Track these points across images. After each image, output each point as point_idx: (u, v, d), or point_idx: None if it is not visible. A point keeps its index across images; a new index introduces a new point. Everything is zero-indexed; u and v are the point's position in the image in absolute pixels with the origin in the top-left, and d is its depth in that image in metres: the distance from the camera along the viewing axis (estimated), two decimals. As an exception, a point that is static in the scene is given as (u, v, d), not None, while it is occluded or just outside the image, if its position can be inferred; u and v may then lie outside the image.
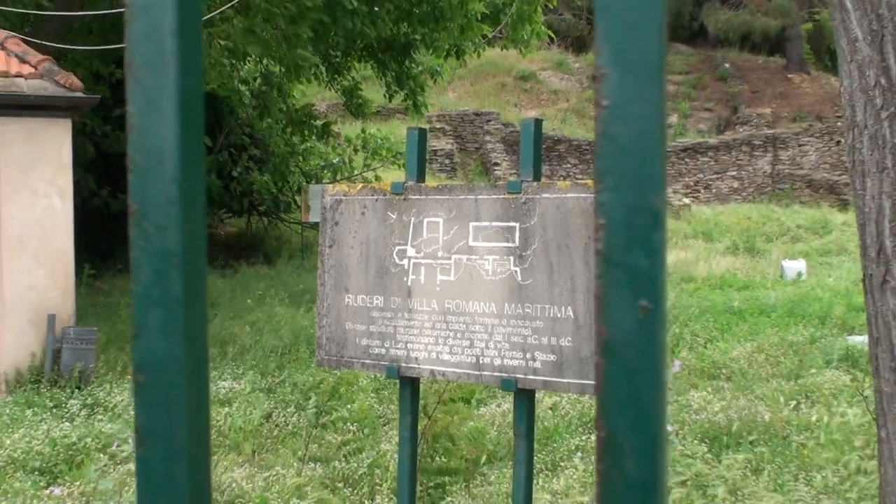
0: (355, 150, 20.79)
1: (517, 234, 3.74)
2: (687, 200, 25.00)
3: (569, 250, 3.61)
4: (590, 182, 3.67)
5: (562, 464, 7.37)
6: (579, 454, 7.42)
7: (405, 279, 4.00)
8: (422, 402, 6.95)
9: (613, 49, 0.44)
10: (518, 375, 3.71)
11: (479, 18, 14.84)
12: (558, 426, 8.25)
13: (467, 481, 7.04)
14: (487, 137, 27.54)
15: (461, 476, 7.02)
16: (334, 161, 20.64)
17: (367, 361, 4.13)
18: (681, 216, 23.32)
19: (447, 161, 27.13)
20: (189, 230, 0.53)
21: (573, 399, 8.75)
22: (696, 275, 17.36)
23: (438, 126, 28.57)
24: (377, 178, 18.79)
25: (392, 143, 21.20)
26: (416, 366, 3.98)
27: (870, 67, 4.40)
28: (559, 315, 3.62)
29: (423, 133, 4.23)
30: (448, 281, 3.89)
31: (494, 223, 3.80)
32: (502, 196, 3.79)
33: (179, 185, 0.52)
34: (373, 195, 4.14)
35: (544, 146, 28.44)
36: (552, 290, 3.64)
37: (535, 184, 3.74)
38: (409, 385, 4.09)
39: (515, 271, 3.72)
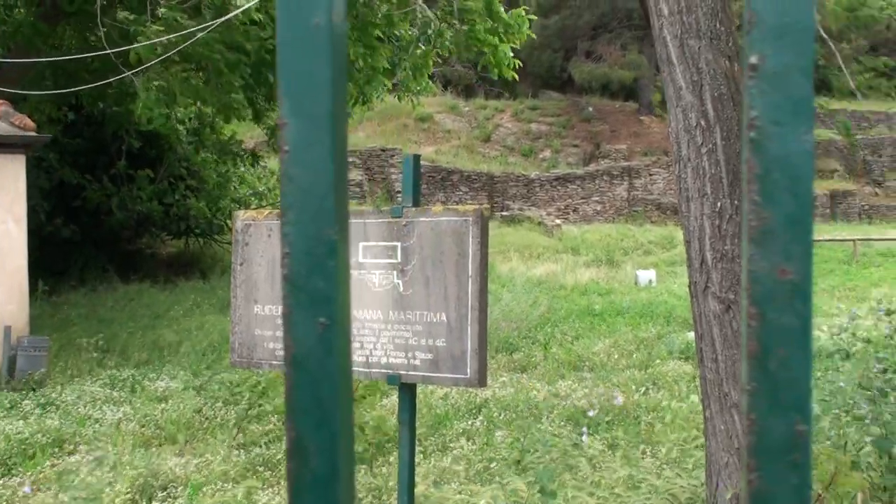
0: (279, 180, 20.71)
1: (399, 252, 3.73)
2: (558, 221, 25.31)
3: (442, 265, 3.62)
4: (460, 207, 3.68)
5: (450, 445, 7.35)
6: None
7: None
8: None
9: (292, 101, 0.43)
10: (401, 372, 3.70)
11: (382, 71, 14.87)
12: (448, 413, 8.23)
13: (371, 462, 6.98)
14: (392, 169, 27.59)
15: (367, 458, 6.96)
16: (260, 189, 20.62)
17: (274, 362, 4.07)
18: (553, 234, 23.59)
19: (357, 189, 27.07)
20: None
21: (462, 389, 8.75)
22: (565, 283, 17.55)
23: (350, 160, 28.48)
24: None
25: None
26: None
27: (692, 111, 4.50)
28: (434, 320, 3.62)
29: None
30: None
31: (380, 242, 3.78)
32: (387, 220, 3.78)
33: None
34: (278, 220, 4.08)
35: (440, 177, 28.55)
36: (429, 299, 3.64)
37: (414, 209, 3.74)
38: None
39: (398, 283, 3.72)
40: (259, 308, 4.10)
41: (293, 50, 0.41)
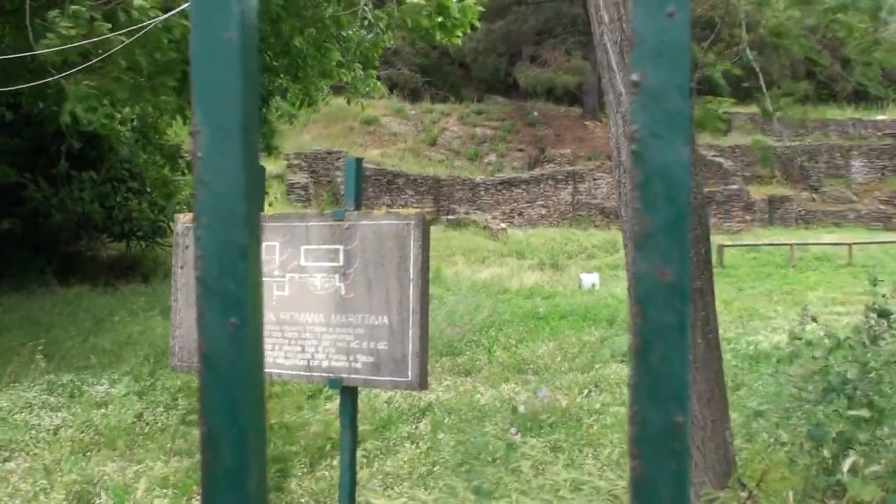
0: (222, 183, 20.59)
1: (341, 255, 3.73)
2: (503, 225, 25.44)
3: (384, 268, 3.63)
4: (401, 211, 3.70)
5: (394, 448, 7.36)
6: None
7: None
8: (276, 401, 6.86)
9: (204, 111, 0.44)
10: (343, 375, 3.71)
11: (332, 73, 14.80)
12: (392, 416, 8.23)
13: (313, 465, 6.95)
14: (337, 172, 27.52)
15: (305, 460, 6.92)
16: (204, 192, 20.47)
17: (215, 366, 4.04)
18: (498, 238, 23.71)
19: (303, 192, 26.94)
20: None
21: (406, 393, 8.76)
22: (510, 287, 17.64)
23: (296, 163, 28.37)
24: (270, 205, 18.67)
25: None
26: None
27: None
28: (376, 323, 3.63)
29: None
30: (283, 296, 3.85)
31: (322, 246, 3.78)
32: (329, 223, 3.78)
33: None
34: (218, 223, 4.06)
35: (386, 180, 28.53)
36: (370, 302, 3.65)
37: (356, 212, 3.75)
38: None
39: (340, 286, 3.72)
40: (199, 312, 4.07)
41: (205, 62, 0.43)
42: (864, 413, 3.94)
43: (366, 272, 3.67)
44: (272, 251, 3.90)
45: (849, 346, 4.60)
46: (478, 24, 13.39)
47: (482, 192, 29.16)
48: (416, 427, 7.92)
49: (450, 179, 29.35)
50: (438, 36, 13.12)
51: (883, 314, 4.40)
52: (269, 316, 3.89)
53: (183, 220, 4.19)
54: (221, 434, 0.43)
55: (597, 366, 10.46)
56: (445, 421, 8.12)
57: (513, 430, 6.02)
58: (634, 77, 0.43)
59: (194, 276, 0.43)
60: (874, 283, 4.92)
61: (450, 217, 26.84)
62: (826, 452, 3.81)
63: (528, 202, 29.43)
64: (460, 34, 13.03)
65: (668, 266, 0.42)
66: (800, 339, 4.84)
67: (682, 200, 0.42)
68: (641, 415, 0.43)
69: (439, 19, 12.31)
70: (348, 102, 16.08)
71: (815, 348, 4.92)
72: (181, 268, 4.16)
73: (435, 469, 6.67)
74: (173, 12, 9.00)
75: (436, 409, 8.60)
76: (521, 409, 6.63)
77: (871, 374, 4.24)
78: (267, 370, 3.90)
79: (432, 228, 24.01)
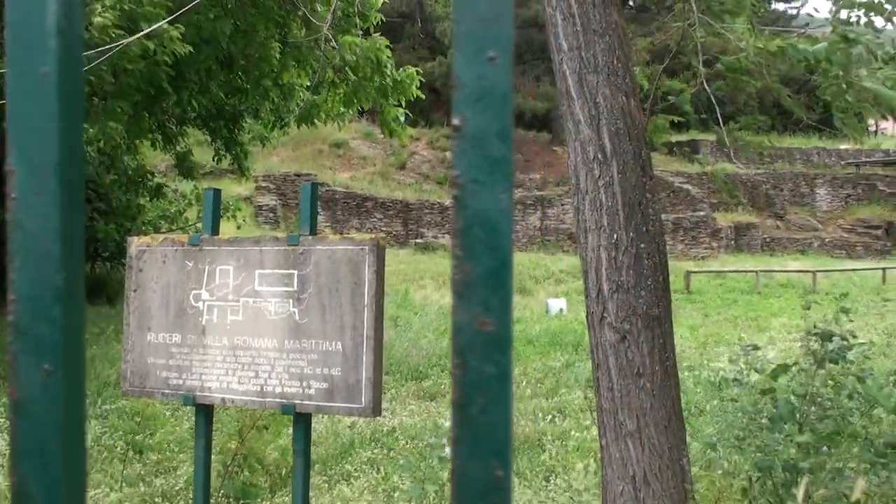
0: (189, 204, 20.42)
1: (295, 280, 3.71)
2: (472, 249, 25.44)
3: (338, 294, 3.61)
4: (356, 235, 3.68)
5: (355, 473, 7.30)
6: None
7: (200, 319, 3.90)
8: (237, 425, 6.78)
9: (19, 150, 0.43)
10: (296, 401, 3.67)
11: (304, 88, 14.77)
12: (354, 441, 8.17)
13: (273, 493, 6.88)
14: (306, 195, 27.42)
15: (266, 489, 6.85)
16: (171, 212, 20.30)
17: (167, 391, 3.99)
18: (467, 262, 23.71)
19: (271, 215, 26.84)
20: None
21: (369, 419, 8.70)
22: (477, 311, 17.61)
23: (265, 185, 28.29)
24: (216, 229, 18.41)
25: (224, 199, 20.87)
26: (210, 394, 3.87)
27: (590, 145, 4.59)
28: (330, 349, 3.60)
29: (217, 193, 4.15)
30: (237, 320, 3.81)
31: (276, 270, 3.76)
32: (283, 247, 3.75)
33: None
34: (172, 246, 4.02)
35: (355, 203, 28.48)
36: (324, 328, 3.62)
37: (310, 237, 3.73)
38: (204, 412, 3.97)
39: (294, 312, 3.69)
40: (152, 336, 4.03)
41: (20, 97, 0.42)
42: (808, 438, 3.97)
43: (320, 297, 3.64)
44: (226, 275, 3.86)
45: (798, 372, 4.64)
46: (421, 95, 13.51)
47: (451, 216, 29.17)
48: (378, 452, 7.86)
49: (419, 203, 29.38)
50: (388, 132, 13.29)
51: (825, 337, 4.44)
52: (222, 341, 3.85)
53: (137, 243, 4.14)
54: (33, 484, 0.41)
55: (561, 391, 10.47)
56: (407, 446, 8.07)
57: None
58: (455, 121, 0.42)
59: (9, 320, 0.41)
60: (807, 307, 4.99)
61: (419, 241, 26.83)
62: (774, 480, 3.82)
63: (496, 227, 29.47)
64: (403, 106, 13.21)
65: (489, 315, 0.41)
66: (745, 367, 4.86)
67: (503, 248, 0.41)
68: (461, 469, 0.42)
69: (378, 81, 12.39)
70: (325, 123, 16.02)
71: (765, 376, 4.95)
72: (134, 291, 4.11)
73: (395, 496, 6.63)
74: (141, 34, 8.93)
75: (398, 433, 8.55)
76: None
77: (818, 399, 4.28)
78: (220, 396, 3.85)
79: (401, 252, 24.02)
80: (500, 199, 0.42)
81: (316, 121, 14.41)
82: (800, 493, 3.35)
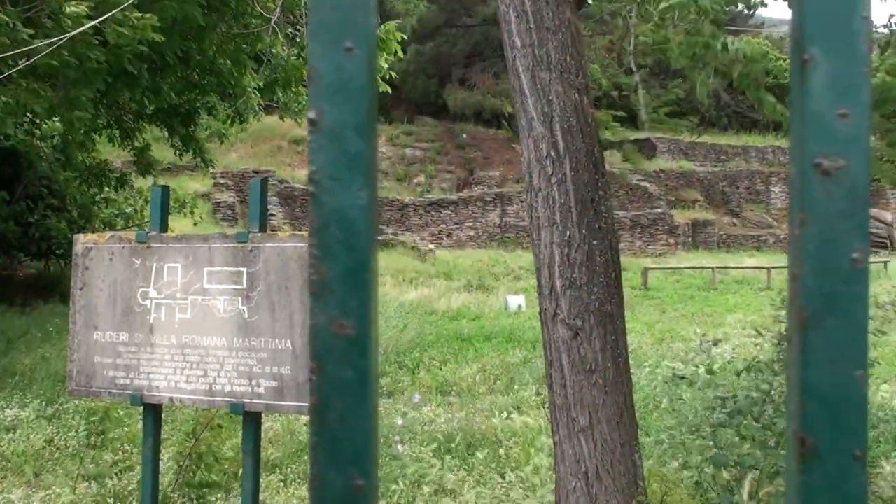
0: (146, 201, 20.13)
1: (245, 278, 3.67)
2: (432, 246, 25.45)
3: (288, 291, 3.57)
4: (307, 232, 3.65)
5: (311, 473, 7.24)
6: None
7: (148, 317, 3.84)
8: (192, 423, 6.69)
9: None
10: (245, 400, 3.63)
11: (257, 91, 14.62)
12: (310, 440, 8.10)
13: (228, 491, 6.82)
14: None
15: (222, 487, 6.78)
16: (127, 210, 19.98)
17: (114, 391, 3.93)
18: (426, 260, 23.70)
19: (230, 211, 26.61)
20: None
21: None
22: (437, 308, 17.62)
23: (223, 181, 28.03)
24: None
25: (180, 196, 20.65)
26: (157, 394, 3.82)
27: (543, 142, 4.59)
28: (280, 347, 3.57)
29: (165, 190, 4.09)
30: (185, 319, 3.76)
31: (225, 268, 3.71)
32: (232, 245, 3.71)
33: None
34: (120, 244, 3.96)
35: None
36: (274, 326, 3.59)
37: (260, 234, 3.68)
38: (152, 411, 3.92)
39: (243, 310, 3.65)
40: (99, 335, 3.96)
41: None
42: (762, 435, 4.01)
43: (269, 295, 3.61)
44: (174, 273, 3.81)
45: (757, 370, 4.68)
46: (401, 53, 13.33)
47: (411, 213, 29.16)
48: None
49: (378, 200, 29.27)
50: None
51: (785, 339, 4.48)
52: (170, 339, 3.80)
53: (83, 241, 4.07)
54: None
55: (518, 388, 10.49)
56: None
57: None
58: (311, 115, 0.41)
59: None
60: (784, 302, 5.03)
61: (378, 238, 26.73)
62: (726, 475, 3.85)
63: (456, 224, 29.52)
64: (386, 63, 13.01)
65: (347, 318, 0.40)
66: (712, 371, 4.90)
67: (362, 247, 0.40)
68: (320, 478, 0.40)
69: None
70: (282, 119, 15.87)
71: (726, 373, 5.00)
72: (80, 289, 4.04)
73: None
74: (106, 16, 8.76)
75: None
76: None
77: (775, 396, 4.32)
78: (168, 395, 3.80)
79: (359, 249, 23.82)
80: (358, 196, 0.40)
81: (281, 115, 14.29)
82: (745, 489, 3.38)
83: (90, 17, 8.76)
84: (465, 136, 35.05)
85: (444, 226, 29.34)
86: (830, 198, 0.42)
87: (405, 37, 13.59)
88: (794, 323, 0.43)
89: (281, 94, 13.67)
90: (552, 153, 4.57)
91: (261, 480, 6.83)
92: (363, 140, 0.40)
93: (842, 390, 0.42)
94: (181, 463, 6.34)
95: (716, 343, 4.82)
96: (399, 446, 6.43)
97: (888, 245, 30.73)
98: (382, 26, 12.53)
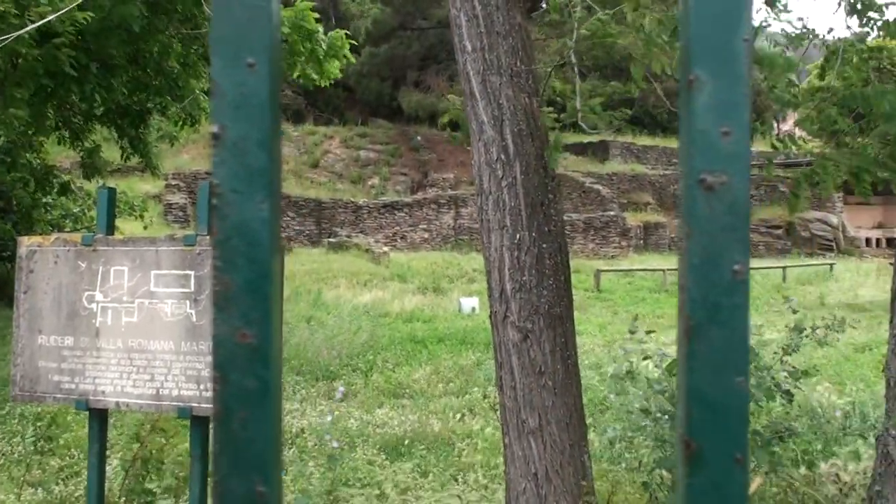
0: (94, 203, 19.81)
1: (192, 281, 3.63)
2: (386, 249, 25.41)
3: (236, 295, 3.55)
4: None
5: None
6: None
7: (94, 321, 3.79)
8: (135, 428, 6.61)
9: None
10: (193, 404, 3.60)
11: (205, 91, 14.47)
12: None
13: (177, 496, 6.74)
14: (217, 194, 26.87)
15: (172, 490, 6.70)
16: (75, 211, 19.66)
17: (59, 395, 3.87)
18: (381, 262, 23.66)
19: (181, 213, 26.36)
20: None
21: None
22: (391, 311, 17.60)
23: (174, 183, 27.75)
24: (116, 228, 17.87)
25: (130, 197, 20.38)
26: (103, 398, 3.77)
27: (493, 145, 4.62)
28: (228, 351, 3.55)
29: (112, 192, 4.04)
30: (132, 322, 3.72)
31: (173, 271, 3.67)
32: (180, 247, 3.68)
33: None
34: (65, 246, 3.90)
35: (267, 202, 28.08)
36: (222, 330, 3.56)
37: (208, 237, 3.66)
38: (97, 416, 3.86)
39: (191, 313, 3.62)
40: (43, 339, 3.90)
41: None
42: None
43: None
44: (121, 276, 3.76)
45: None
46: (352, 59, 13.26)
47: (365, 216, 29.09)
48: (286, 453, 7.77)
49: (332, 202, 29.17)
50: (314, 77, 13.01)
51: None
52: (117, 343, 3.75)
53: (27, 243, 4.00)
54: None
55: (472, 389, 10.52)
56: (316, 447, 8.00)
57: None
58: (214, 130, 0.41)
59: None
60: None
61: (332, 240, 26.64)
62: (666, 473, 3.91)
63: (410, 226, 29.51)
64: (337, 71, 12.97)
65: (250, 328, 0.41)
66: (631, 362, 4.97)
67: (264, 259, 0.41)
68: (223, 484, 0.41)
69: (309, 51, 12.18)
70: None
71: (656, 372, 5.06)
72: (24, 293, 3.97)
73: (302, 496, 6.56)
74: (44, 20, 8.60)
75: (307, 434, 8.47)
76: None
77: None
78: (114, 400, 3.75)
79: (314, 251, 23.72)
80: (260, 208, 0.41)
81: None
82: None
83: (17, 17, 8.59)
84: (419, 138, 35.07)
85: (398, 228, 29.33)
86: (714, 212, 0.43)
87: (356, 42, 13.54)
88: (680, 332, 0.45)
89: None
90: (502, 157, 4.60)
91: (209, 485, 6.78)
92: (265, 154, 0.40)
93: (724, 396, 0.44)
94: (127, 469, 6.27)
95: (642, 341, 4.90)
96: (333, 443, 6.44)
97: (834, 248, 31.35)
98: (332, 33, 12.48)
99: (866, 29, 5.36)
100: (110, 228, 3.92)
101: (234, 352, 0.40)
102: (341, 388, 8.23)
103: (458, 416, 9.27)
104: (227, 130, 0.41)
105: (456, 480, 7.09)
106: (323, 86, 13.66)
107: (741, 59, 0.44)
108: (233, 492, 0.40)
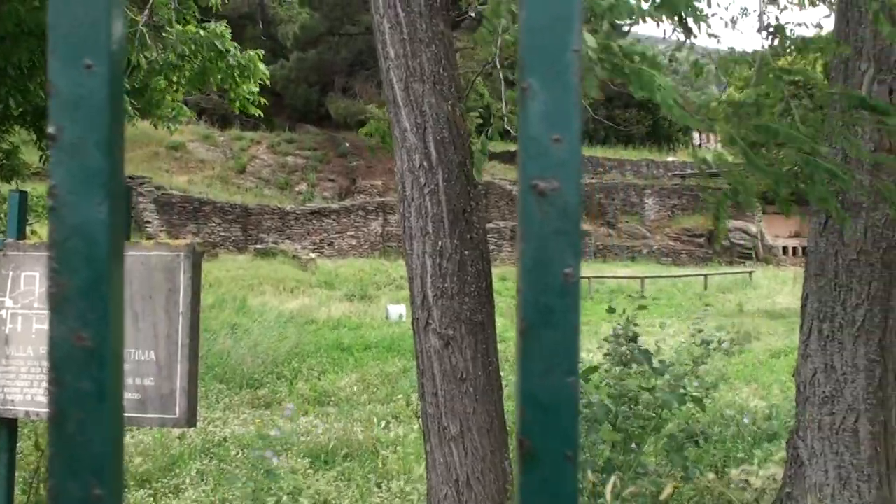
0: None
1: (106, 288, 3.56)
2: (313, 255, 25.25)
3: (152, 301, 3.49)
4: (171, 242, 3.58)
5: (183, 486, 7.08)
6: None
7: (3, 328, 3.69)
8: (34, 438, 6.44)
9: None
10: (106, 413, 3.52)
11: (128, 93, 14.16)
12: (183, 453, 7.93)
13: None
14: (140, 199, 26.37)
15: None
16: (-9, 215, 19.04)
17: (-29, 408, 3.74)
18: (308, 268, 23.49)
19: (102, 219, 25.79)
20: None
21: (200, 429, 8.47)
22: (317, 318, 17.47)
23: (95, 187, 27.14)
24: (34, 232, 17.37)
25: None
26: (13, 408, 3.66)
27: (416, 152, 4.63)
28: (143, 358, 3.48)
29: (24, 195, 3.94)
30: (43, 329, 3.63)
31: (86, 277, 3.59)
32: (94, 253, 3.60)
33: None
34: (-26, 252, 3.78)
35: (192, 207, 27.67)
36: (137, 336, 3.49)
37: (125, 243, 3.59)
38: (6, 426, 3.76)
39: (104, 320, 3.54)
40: (-49, 348, 3.77)
41: None
42: (617, 437, 4.14)
43: (133, 305, 3.51)
44: (32, 282, 3.67)
45: (604, 371, 4.83)
46: (267, 80, 13.16)
47: (292, 222, 28.85)
48: (209, 463, 7.66)
49: (259, 208, 28.87)
50: (237, 106, 12.91)
51: (633, 339, 4.66)
52: (27, 351, 3.66)
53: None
54: None
55: (397, 397, 10.51)
56: (239, 456, 7.90)
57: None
58: (51, 130, 0.41)
59: None
60: (611, 311, 5.25)
61: (258, 246, 26.35)
62: (592, 478, 3.96)
63: (338, 232, 29.37)
64: (260, 107, 12.90)
65: (86, 330, 0.41)
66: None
67: (100, 260, 0.41)
68: (57, 487, 0.41)
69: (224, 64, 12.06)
70: (155, 127, 15.45)
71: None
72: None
73: (222, 507, 6.48)
74: None
75: (230, 443, 8.36)
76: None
77: (626, 398, 4.47)
78: (24, 409, 3.65)
79: (240, 258, 23.28)
80: (98, 210, 0.41)
81: (154, 122, 13.86)
82: (607, 491, 3.48)
83: None
84: (347, 144, 34.95)
85: (325, 234, 29.16)
86: (546, 217, 0.45)
87: (286, 46, 13.45)
88: (517, 333, 0.46)
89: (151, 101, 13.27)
90: (425, 164, 4.62)
91: (129, 495, 6.65)
92: (103, 155, 0.40)
93: (555, 396, 0.45)
94: (30, 481, 6.10)
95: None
96: (274, 459, 6.36)
97: (753, 256, 32.15)
98: (245, 53, 12.35)
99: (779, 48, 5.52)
100: (21, 233, 3.82)
101: (69, 354, 0.40)
102: (290, 406, 8.15)
103: (383, 423, 9.25)
104: (64, 132, 0.41)
105: (379, 487, 7.08)
106: (236, 111, 13.55)
107: (571, 69, 0.45)
108: (68, 494, 0.39)
